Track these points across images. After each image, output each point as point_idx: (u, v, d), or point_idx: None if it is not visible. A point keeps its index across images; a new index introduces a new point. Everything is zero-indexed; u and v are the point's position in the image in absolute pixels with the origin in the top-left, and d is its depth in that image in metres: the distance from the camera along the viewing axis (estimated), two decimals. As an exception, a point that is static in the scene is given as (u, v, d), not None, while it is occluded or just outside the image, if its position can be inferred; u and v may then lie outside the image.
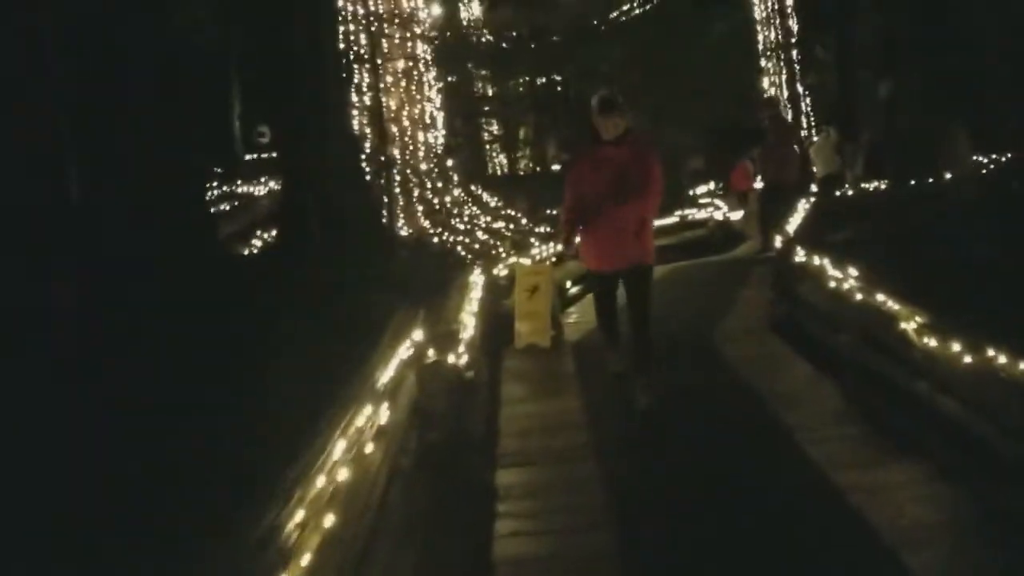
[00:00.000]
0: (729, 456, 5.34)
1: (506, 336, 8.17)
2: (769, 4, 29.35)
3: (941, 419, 5.06)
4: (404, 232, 17.82)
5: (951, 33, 22.81)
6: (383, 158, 17.57)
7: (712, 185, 23.59)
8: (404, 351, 5.20)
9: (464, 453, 5.34)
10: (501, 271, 8.92)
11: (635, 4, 26.93)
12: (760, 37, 29.31)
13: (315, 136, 13.23)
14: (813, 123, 28.38)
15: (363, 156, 16.64)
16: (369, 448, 3.50)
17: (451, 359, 5.42)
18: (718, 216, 15.77)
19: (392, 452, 4.12)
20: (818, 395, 6.37)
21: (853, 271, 6.67)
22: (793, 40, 28.99)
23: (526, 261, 9.31)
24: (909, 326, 5.34)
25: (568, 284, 10.03)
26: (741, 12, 29.39)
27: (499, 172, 25.52)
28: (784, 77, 29.29)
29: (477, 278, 8.10)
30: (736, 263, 12.42)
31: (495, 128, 26.89)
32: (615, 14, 26.42)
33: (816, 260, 7.45)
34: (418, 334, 5.40)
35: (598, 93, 5.95)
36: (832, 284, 6.73)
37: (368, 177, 16.68)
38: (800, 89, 28.69)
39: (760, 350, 7.57)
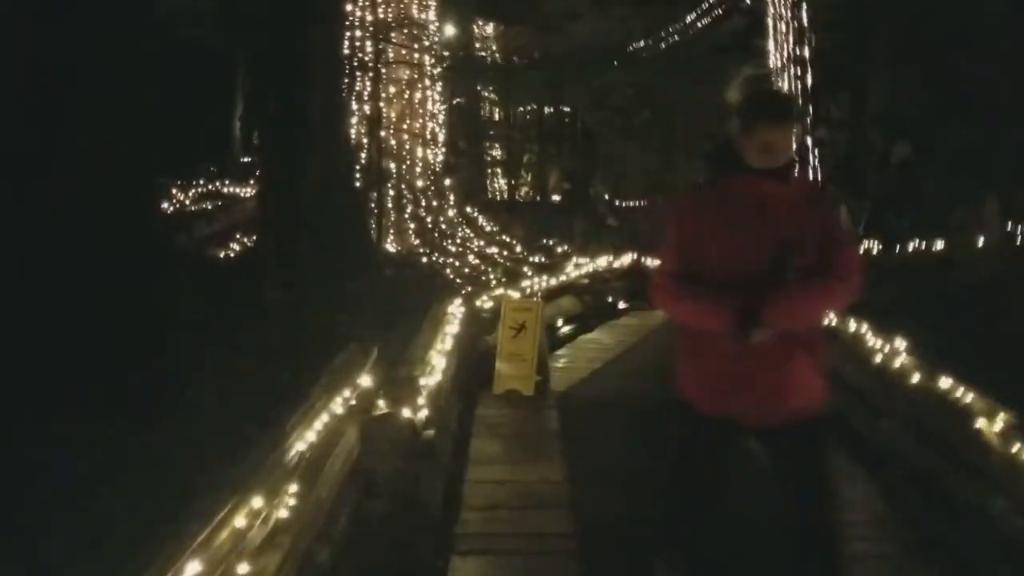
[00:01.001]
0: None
1: (484, 377, 6.93)
2: (785, 54, 28.47)
3: (1018, 547, 3.85)
4: (392, 249, 16.62)
5: (968, 98, 22.01)
6: (378, 171, 16.44)
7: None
8: (344, 400, 3.96)
9: (411, 531, 4.09)
10: (485, 303, 7.70)
11: (650, 40, 25.96)
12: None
13: (300, 142, 12.11)
14: (820, 177, 27.45)
15: (356, 167, 15.49)
16: (244, 569, 2.27)
17: (407, 413, 4.18)
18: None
19: (299, 552, 2.87)
20: (850, 494, 5.12)
21: (901, 343, 5.47)
22: (807, 93, 28.14)
23: (515, 294, 8.11)
24: (988, 426, 4.12)
25: (559, 323, 8.81)
26: (757, 59, 28.53)
27: (498, 197, 24.39)
28: (795, 129, 28.36)
29: (456, 309, 6.87)
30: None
31: (498, 152, 25.78)
32: (630, 48, 25.42)
33: (852, 326, 6.25)
34: (366, 379, 4.16)
35: (745, 73, 2.93)
36: (877, 358, 5.51)
37: (359, 189, 15.52)
38: (809, 142, 27.77)
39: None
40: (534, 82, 23.32)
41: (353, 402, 3.98)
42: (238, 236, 14.79)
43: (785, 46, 28.47)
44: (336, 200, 13.00)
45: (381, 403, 4.14)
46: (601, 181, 25.43)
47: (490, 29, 25.73)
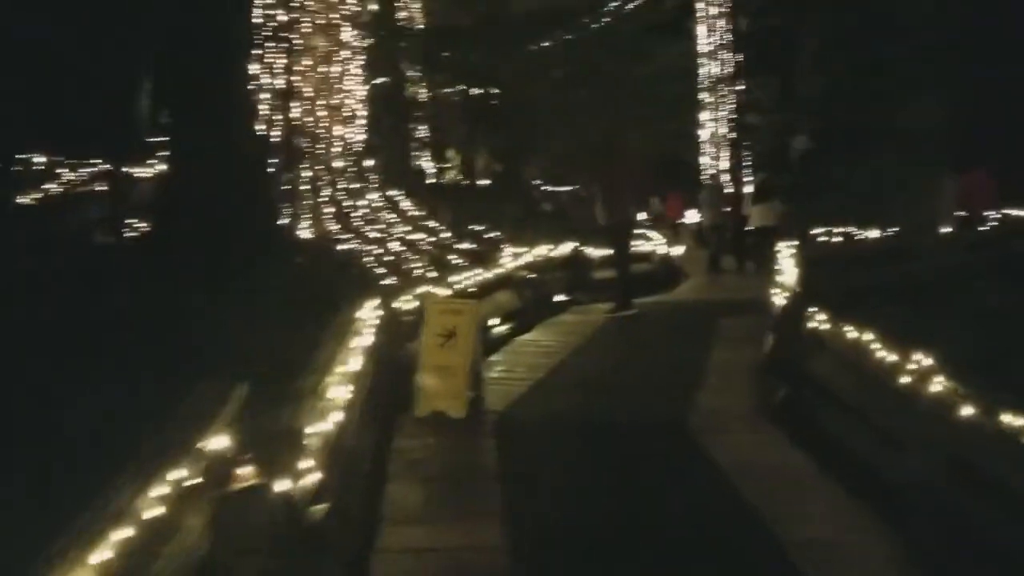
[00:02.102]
0: None
1: (405, 396, 5.54)
2: (715, 39, 27.55)
3: None
4: (306, 235, 15.02)
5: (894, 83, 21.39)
6: (288, 149, 14.83)
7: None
8: (186, 472, 2.55)
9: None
10: (407, 301, 6.28)
11: (585, 18, 24.67)
12: (702, 71, 27.48)
13: (203, 118, 10.53)
14: (750, 164, 26.64)
15: (266, 145, 13.86)
16: None
17: (282, 484, 2.78)
18: (661, 250, 13.43)
19: None
20: (864, 546, 3.92)
21: (928, 360, 4.27)
22: (734, 78, 27.30)
23: (443, 291, 6.70)
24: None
25: (495, 322, 7.45)
26: (687, 42, 27.50)
27: (425, 180, 22.84)
28: (722, 114, 27.51)
29: (371, 313, 5.44)
30: (692, 307, 10.02)
31: (424, 133, 24.21)
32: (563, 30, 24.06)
33: (850, 331, 5.05)
34: (221, 439, 2.75)
35: None
36: (901, 378, 4.28)
37: (271, 169, 13.90)
38: (733, 128, 26.93)
39: (759, 454, 5.06)
40: (464, 53, 21.79)
41: (198, 476, 2.57)
42: (134, 221, 13.07)
43: (715, 29, 27.57)
44: (242, 181, 11.43)
45: (245, 471, 2.74)
46: (534, 164, 24.06)
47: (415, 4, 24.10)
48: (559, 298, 9.54)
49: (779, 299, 6.22)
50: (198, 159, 10.39)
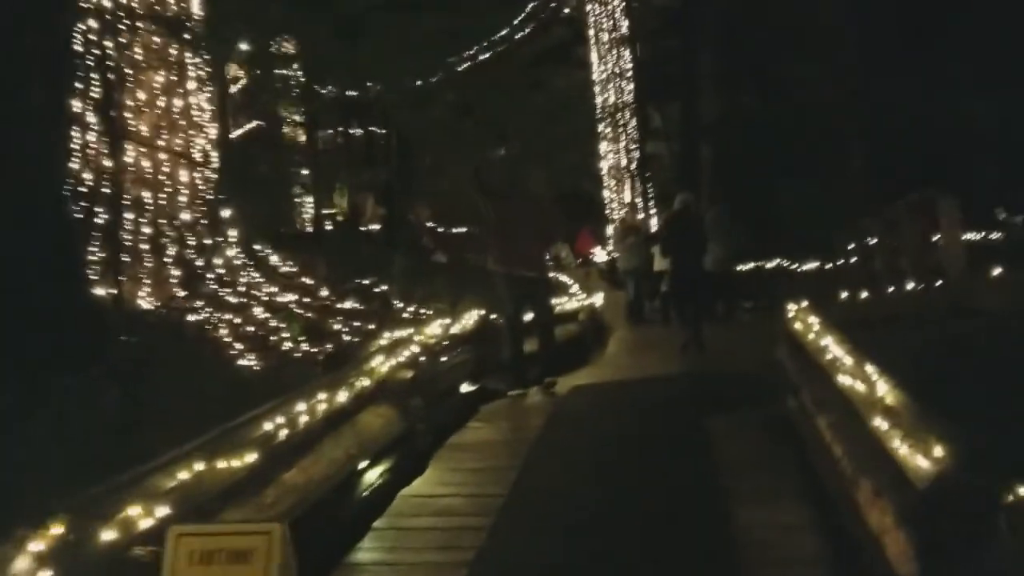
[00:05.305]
0: None
1: None
2: (609, 66, 25.25)
3: None
4: (145, 304, 11.50)
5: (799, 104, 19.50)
6: (116, 199, 11.34)
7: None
8: None
9: None
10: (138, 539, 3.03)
11: (470, 50, 21.91)
12: (599, 100, 25.12)
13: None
14: (651, 195, 24.31)
15: (68, 191, 10.39)
16: None
17: None
18: (586, 303, 10.46)
19: None
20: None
21: None
22: (631, 106, 25.05)
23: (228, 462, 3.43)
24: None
25: (364, 464, 4.27)
26: (580, 72, 25.11)
27: (300, 228, 19.50)
28: (622, 144, 25.16)
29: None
30: (648, 392, 6.95)
31: (302, 176, 20.89)
32: (449, 60, 21.22)
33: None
34: None
35: None
36: None
37: (77, 220, 10.41)
38: (634, 158, 24.63)
39: None
40: (341, 78, 18.65)
41: None
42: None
43: (608, 57, 25.29)
44: (40, 239, 8.22)
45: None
46: (423, 205, 20.94)
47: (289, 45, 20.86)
48: (464, 388, 6.48)
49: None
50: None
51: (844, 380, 3.71)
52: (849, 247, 11.40)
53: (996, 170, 14.27)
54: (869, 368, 3.46)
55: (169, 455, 3.09)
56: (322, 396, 3.80)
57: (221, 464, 3.08)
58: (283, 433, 3.47)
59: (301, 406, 3.62)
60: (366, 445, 4.26)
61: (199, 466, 2.92)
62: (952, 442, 2.50)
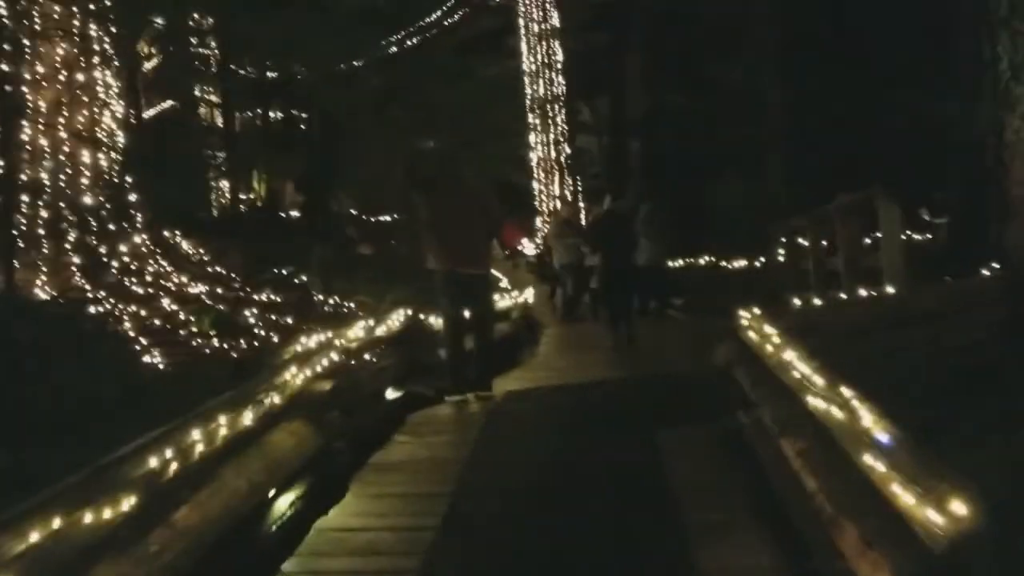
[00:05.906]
0: None
1: None
2: (539, 58, 24.83)
3: None
4: (42, 294, 10.56)
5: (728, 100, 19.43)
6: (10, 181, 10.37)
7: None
8: None
9: None
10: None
11: (397, 35, 21.17)
12: (528, 91, 24.69)
13: None
14: (580, 188, 24.05)
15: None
16: None
17: None
18: (521, 300, 9.98)
19: None
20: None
21: None
22: (560, 99, 24.71)
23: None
24: None
25: (272, 493, 3.71)
26: (511, 62, 24.63)
27: (216, 215, 18.49)
28: (552, 136, 24.80)
29: None
30: (591, 400, 6.50)
31: (218, 159, 19.83)
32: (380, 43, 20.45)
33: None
34: None
35: None
36: None
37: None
38: (563, 151, 24.32)
39: None
40: (261, 56, 17.72)
41: None
42: None
43: (538, 48, 24.87)
44: None
45: None
46: (347, 192, 20.11)
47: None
48: (390, 394, 5.93)
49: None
50: None
51: (816, 402, 3.32)
52: (779, 246, 11.25)
53: (915, 170, 14.40)
54: (846, 392, 3.08)
55: (26, 504, 2.49)
56: (223, 420, 3.21)
57: (91, 510, 2.49)
58: (173, 466, 2.89)
59: (196, 433, 3.03)
60: (275, 470, 3.69)
61: (60, 519, 2.34)
62: (972, 498, 2.10)
